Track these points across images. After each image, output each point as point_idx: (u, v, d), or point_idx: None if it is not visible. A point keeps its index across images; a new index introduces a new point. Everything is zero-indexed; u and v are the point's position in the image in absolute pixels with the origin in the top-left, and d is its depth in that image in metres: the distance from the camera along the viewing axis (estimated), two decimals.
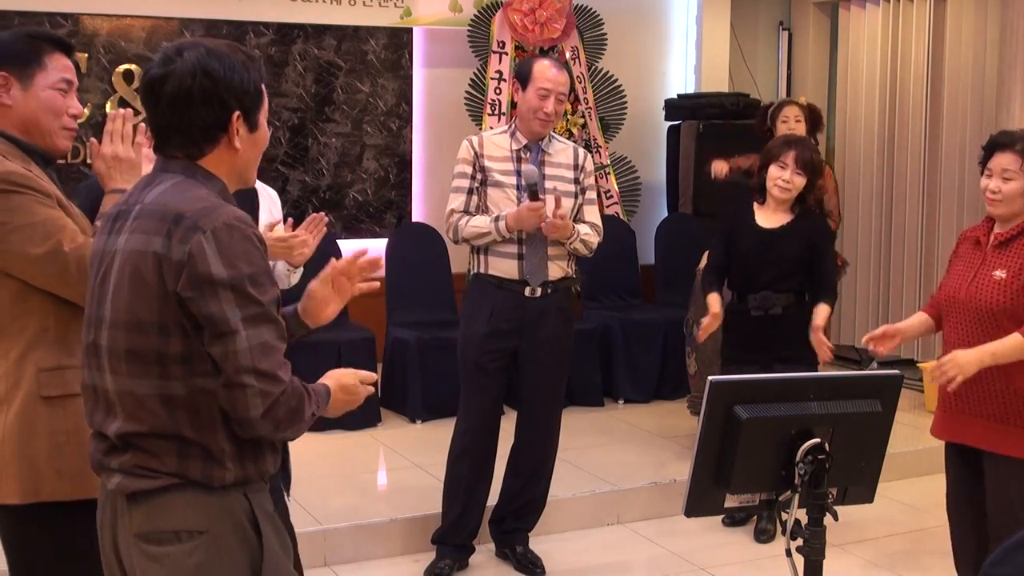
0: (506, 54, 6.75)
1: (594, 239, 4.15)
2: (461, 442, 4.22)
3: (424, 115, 6.97)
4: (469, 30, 6.83)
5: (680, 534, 4.76)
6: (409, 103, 6.87)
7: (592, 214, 4.19)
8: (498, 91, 6.73)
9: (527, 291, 4.08)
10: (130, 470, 2.06)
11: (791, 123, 5.39)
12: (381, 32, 6.74)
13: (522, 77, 4.14)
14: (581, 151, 4.25)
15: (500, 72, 6.74)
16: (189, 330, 2.00)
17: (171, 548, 2.04)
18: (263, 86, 2.15)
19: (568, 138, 6.89)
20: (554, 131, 4.24)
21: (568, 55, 6.91)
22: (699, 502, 2.45)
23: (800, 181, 4.42)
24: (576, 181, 4.14)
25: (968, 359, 3.33)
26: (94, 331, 2.10)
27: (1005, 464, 3.44)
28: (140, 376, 2.03)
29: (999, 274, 3.44)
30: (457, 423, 4.27)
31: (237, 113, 2.08)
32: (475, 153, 4.10)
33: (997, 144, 3.52)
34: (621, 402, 6.51)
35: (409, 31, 6.83)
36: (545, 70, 4.08)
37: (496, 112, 6.70)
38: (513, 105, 6.76)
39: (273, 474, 2.23)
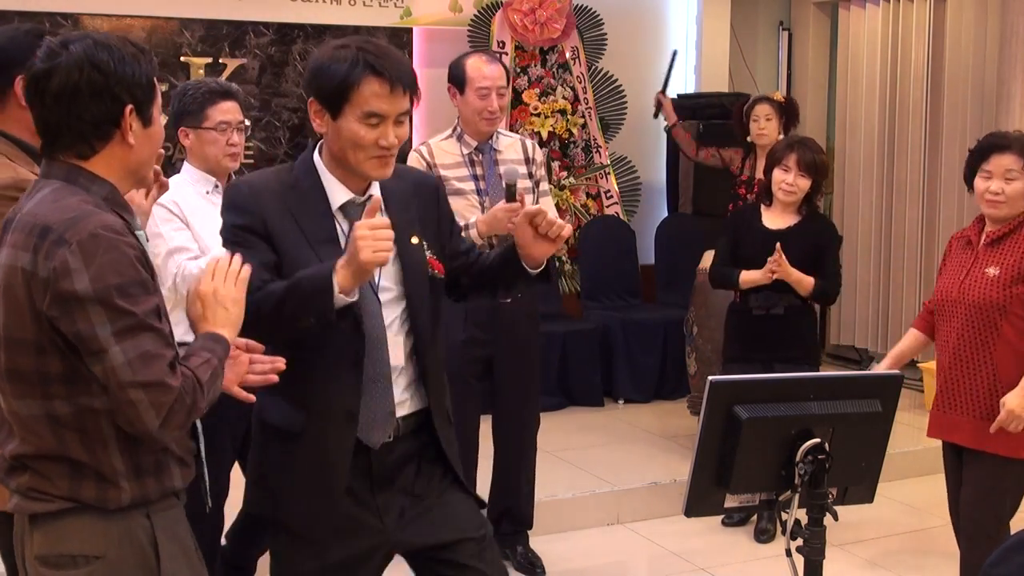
0: (506, 54, 6.75)
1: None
2: None
3: (424, 115, 6.97)
4: (469, 30, 6.83)
5: (680, 534, 4.76)
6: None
7: (549, 206, 4.10)
8: None
9: (499, 296, 4.02)
10: (26, 492, 1.99)
11: (761, 122, 5.41)
12: (381, 32, 6.73)
13: (457, 80, 4.01)
14: (528, 142, 4.17)
15: None
16: (65, 349, 1.91)
17: (69, 572, 1.98)
18: (156, 80, 2.05)
19: (568, 138, 6.91)
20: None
21: (568, 55, 6.91)
22: (699, 502, 2.45)
23: (805, 183, 4.41)
24: (530, 175, 4.07)
25: (1020, 403, 3.36)
26: None
27: (986, 459, 3.47)
28: (24, 396, 1.95)
29: (992, 271, 3.47)
30: None
31: (130, 107, 1.98)
32: (428, 163, 3.99)
33: (995, 146, 3.53)
34: (621, 402, 6.51)
35: (409, 31, 6.82)
36: (480, 68, 3.97)
37: None
38: (513, 105, 6.79)
39: (190, 488, 2.15)
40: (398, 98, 2.33)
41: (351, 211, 2.44)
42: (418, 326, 2.49)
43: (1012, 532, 3.36)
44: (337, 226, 2.45)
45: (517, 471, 4.28)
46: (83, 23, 6.06)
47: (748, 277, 4.44)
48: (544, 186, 4.15)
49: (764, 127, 5.39)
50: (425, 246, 2.50)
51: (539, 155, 4.15)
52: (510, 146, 4.09)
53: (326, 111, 2.36)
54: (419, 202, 2.56)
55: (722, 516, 4.82)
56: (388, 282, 2.47)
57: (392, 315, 2.46)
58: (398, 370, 2.47)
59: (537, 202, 4.04)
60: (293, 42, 6.54)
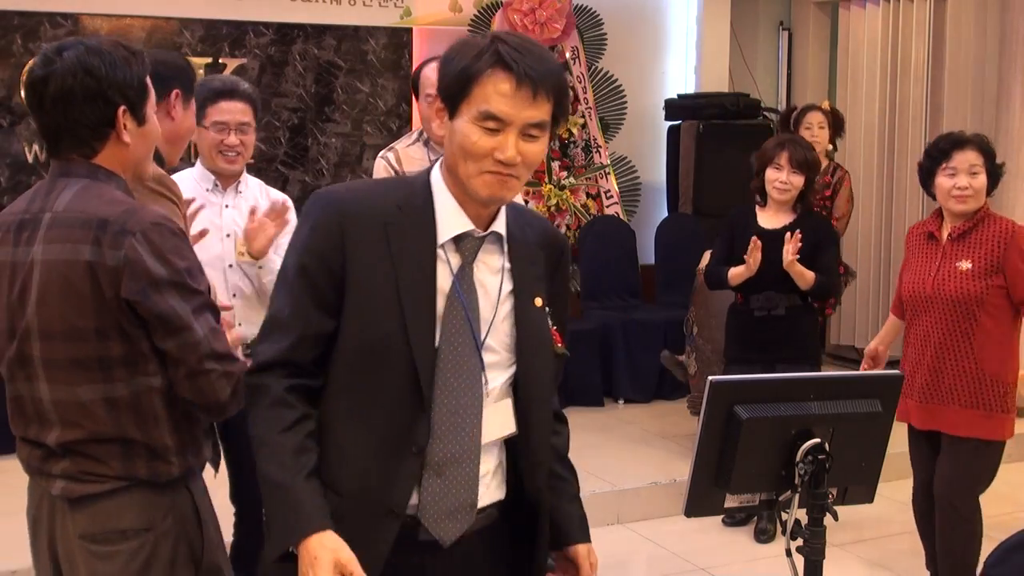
0: None
1: None
2: None
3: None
4: (469, 30, 6.82)
5: (680, 534, 4.76)
6: (409, 103, 6.86)
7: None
8: None
9: None
10: (74, 475, 2.09)
11: (814, 129, 5.42)
12: (381, 32, 6.74)
13: (415, 87, 3.98)
14: None
15: None
16: (129, 332, 2.03)
17: (120, 546, 2.09)
18: (148, 80, 2.17)
19: (568, 138, 6.91)
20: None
21: (568, 55, 6.91)
22: (699, 502, 2.45)
23: (798, 180, 4.43)
24: None
25: None
26: (18, 343, 2.09)
27: (967, 444, 3.67)
28: (83, 383, 2.05)
29: (964, 265, 3.63)
30: None
31: (123, 108, 2.10)
32: (396, 171, 3.93)
33: (956, 142, 3.68)
34: (621, 402, 6.51)
35: (409, 31, 6.83)
36: (431, 75, 3.82)
37: None
38: None
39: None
40: (527, 102, 1.84)
41: (466, 247, 1.93)
42: (527, 399, 1.98)
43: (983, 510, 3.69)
44: (441, 265, 1.91)
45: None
46: (83, 23, 6.06)
47: (735, 272, 4.46)
48: None
49: (817, 135, 5.42)
50: (548, 312, 2.02)
51: None
52: None
53: (445, 108, 1.93)
54: (545, 256, 2.05)
55: (722, 516, 4.82)
56: (496, 342, 1.96)
57: (495, 381, 1.95)
58: (490, 450, 1.97)
59: None
60: (293, 42, 6.54)
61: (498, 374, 1.95)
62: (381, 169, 3.96)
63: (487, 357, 1.93)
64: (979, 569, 1.74)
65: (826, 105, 5.66)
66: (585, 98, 6.95)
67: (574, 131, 6.91)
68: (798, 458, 2.37)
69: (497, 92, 1.84)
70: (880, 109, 7.27)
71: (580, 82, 6.93)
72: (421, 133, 4.04)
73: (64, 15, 6.00)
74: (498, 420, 1.96)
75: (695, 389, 5.71)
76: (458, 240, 1.93)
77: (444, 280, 1.91)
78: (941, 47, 6.91)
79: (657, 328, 6.53)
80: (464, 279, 1.92)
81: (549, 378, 2.03)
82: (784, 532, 2.43)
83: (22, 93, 2.53)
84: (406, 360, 1.86)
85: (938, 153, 3.70)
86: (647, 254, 7.15)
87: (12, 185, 5.71)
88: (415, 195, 1.93)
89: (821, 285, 4.45)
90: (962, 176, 3.62)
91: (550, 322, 2.01)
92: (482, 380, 1.92)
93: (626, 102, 7.17)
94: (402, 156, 3.97)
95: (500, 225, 1.96)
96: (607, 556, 4.56)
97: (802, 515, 2.43)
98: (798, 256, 4.34)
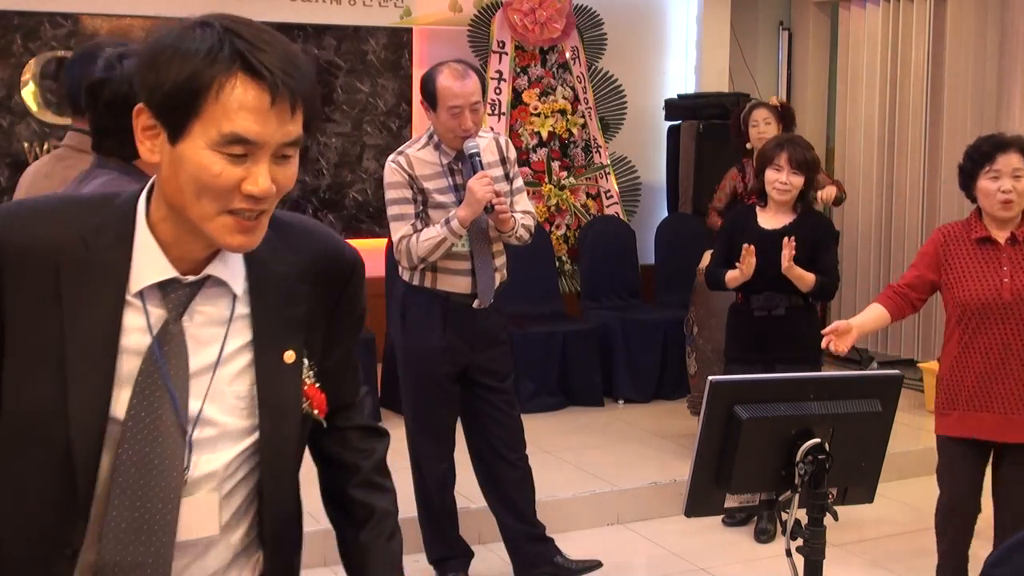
0: (506, 54, 6.75)
1: (530, 221, 4.03)
2: (436, 470, 4.08)
3: (424, 115, 6.97)
4: (469, 30, 6.83)
5: (680, 534, 4.76)
6: (409, 103, 6.87)
7: (523, 203, 4.04)
8: (498, 91, 6.73)
9: (475, 304, 3.93)
10: None
11: (760, 126, 5.41)
12: (381, 32, 6.74)
13: (429, 97, 3.87)
14: (502, 139, 4.07)
15: (500, 72, 6.75)
16: None
17: None
18: None
19: (568, 138, 6.91)
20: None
21: (568, 55, 6.91)
22: (699, 502, 2.45)
23: (798, 180, 4.42)
24: (507, 176, 3.99)
25: None
26: None
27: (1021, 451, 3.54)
28: None
29: None
30: (419, 448, 4.09)
31: None
32: (409, 175, 3.85)
33: (998, 145, 3.55)
34: (621, 402, 6.50)
35: (409, 31, 6.83)
36: (450, 86, 3.79)
37: (496, 112, 6.70)
38: (513, 105, 6.79)
39: None
40: (283, 117, 1.39)
41: (173, 296, 1.47)
42: (267, 473, 1.54)
43: None
44: (135, 318, 1.46)
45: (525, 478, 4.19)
46: (83, 23, 6.06)
47: (731, 276, 4.45)
48: (518, 183, 4.07)
49: (764, 131, 5.39)
50: (306, 366, 1.56)
51: (512, 151, 4.07)
52: (488, 149, 3.97)
53: (160, 126, 1.41)
54: (315, 292, 1.57)
55: (722, 516, 4.82)
56: (218, 412, 1.50)
57: (211, 463, 1.49)
58: (207, 544, 1.53)
59: (512, 200, 3.98)
60: (293, 42, 6.53)
61: (222, 451, 1.49)
62: (393, 173, 3.86)
63: (200, 432, 1.47)
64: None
65: (774, 101, 5.63)
66: (585, 98, 6.94)
67: (574, 131, 6.91)
68: (798, 458, 2.37)
69: (244, 107, 1.36)
70: (880, 109, 7.27)
71: (580, 82, 6.93)
72: (431, 136, 3.94)
73: (64, 15, 6.00)
74: (199, 516, 1.50)
75: (695, 389, 5.71)
76: (165, 287, 1.46)
77: (138, 339, 1.44)
78: (941, 47, 6.91)
79: (657, 328, 6.52)
80: (168, 336, 1.45)
81: (294, 449, 1.58)
82: (784, 532, 2.43)
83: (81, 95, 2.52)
84: (61, 437, 1.41)
85: (980, 156, 3.57)
86: (647, 254, 7.16)
87: (12, 185, 5.70)
88: (108, 227, 1.45)
89: (822, 286, 4.45)
90: (1006, 179, 3.50)
91: (309, 378, 1.57)
92: (183, 463, 1.46)
93: (626, 102, 7.17)
94: (413, 161, 3.88)
95: (222, 268, 1.49)
96: (607, 556, 4.57)
97: (802, 515, 2.43)
98: (797, 256, 4.34)
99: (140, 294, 1.45)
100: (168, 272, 1.45)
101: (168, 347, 1.46)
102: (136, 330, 1.45)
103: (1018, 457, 3.58)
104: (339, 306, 1.61)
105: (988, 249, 3.60)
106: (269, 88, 1.37)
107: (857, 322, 3.71)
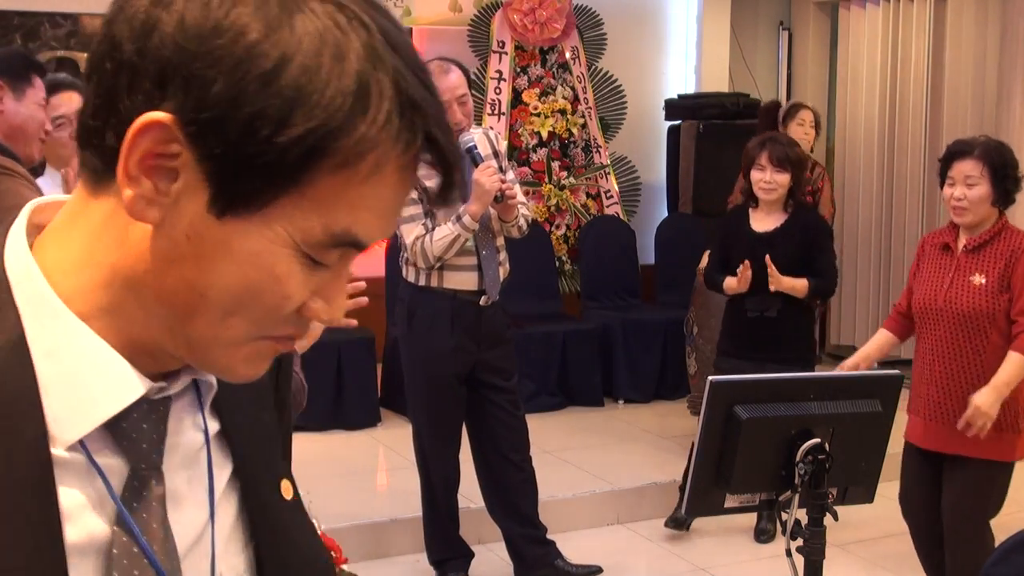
0: (506, 54, 6.75)
1: (528, 211, 4.06)
2: (443, 472, 4.08)
3: None
4: (469, 30, 6.83)
5: (680, 534, 4.76)
6: None
7: (518, 194, 4.05)
8: (498, 91, 6.73)
9: (482, 300, 3.94)
10: None
11: (807, 127, 5.44)
12: None
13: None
14: (491, 133, 4.10)
15: (500, 72, 6.75)
16: None
17: None
18: None
19: (568, 138, 6.91)
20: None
21: (568, 55, 6.91)
22: (699, 502, 2.45)
23: (783, 178, 4.37)
24: (500, 169, 3.99)
25: (989, 402, 3.40)
26: None
27: (973, 464, 3.52)
28: None
29: (978, 279, 3.50)
30: (428, 450, 4.10)
31: None
32: (421, 186, 3.85)
33: (956, 152, 3.58)
34: (621, 402, 6.50)
35: (409, 31, 6.82)
36: (454, 78, 3.83)
37: (496, 112, 6.70)
38: (513, 105, 6.79)
39: None
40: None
41: (133, 427, 0.80)
42: None
43: (994, 532, 3.55)
44: (70, 478, 0.77)
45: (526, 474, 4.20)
46: (83, 23, 6.06)
47: (729, 284, 4.45)
48: (511, 175, 4.08)
49: (809, 132, 5.43)
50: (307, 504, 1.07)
51: (503, 145, 4.08)
52: (480, 143, 3.96)
53: (205, 180, 0.74)
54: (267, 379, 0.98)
55: (755, 534, 4.77)
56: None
57: None
58: None
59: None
60: None
61: None
62: None
63: None
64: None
65: (810, 104, 5.71)
66: (585, 98, 6.95)
67: (574, 131, 6.91)
68: (798, 458, 2.37)
69: (382, 200, 0.79)
70: (880, 109, 7.27)
71: (580, 82, 6.93)
72: None
73: (64, 15, 6.00)
74: None
75: (695, 389, 5.71)
76: (115, 424, 0.79)
77: (89, 517, 0.78)
78: (941, 47, 6.92)
79: (657, 328, 6.53)
80: (137, 494, 0.81)
81: None
82: (784, 532, 2.43)
83: None
84: None
85: (942, 162, 3.61)
86: (647, 254, 7.16)
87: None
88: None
89: (817, 288, 4.43)
90: (959, 186, 3.51)
91: (317, 522, 1.10)
92: None
93: (626, 102, 7.17)
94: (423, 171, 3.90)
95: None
96: (607, 556, 4.57)
97: (802, 515, 2.43)
98: (792, 258, 4.35)
99: (80, 444, 0.78)
100: (132, 389, 0.79)
101: (144, 504, 0.82)
102: (75, 502, 0.78)
103: (955, 463, 3.58)
104: (278, 396, 1.00)
105: (946, 256, 3.62)
106: (443, 177, 0.84)
107: (863, 354, 3.83)
